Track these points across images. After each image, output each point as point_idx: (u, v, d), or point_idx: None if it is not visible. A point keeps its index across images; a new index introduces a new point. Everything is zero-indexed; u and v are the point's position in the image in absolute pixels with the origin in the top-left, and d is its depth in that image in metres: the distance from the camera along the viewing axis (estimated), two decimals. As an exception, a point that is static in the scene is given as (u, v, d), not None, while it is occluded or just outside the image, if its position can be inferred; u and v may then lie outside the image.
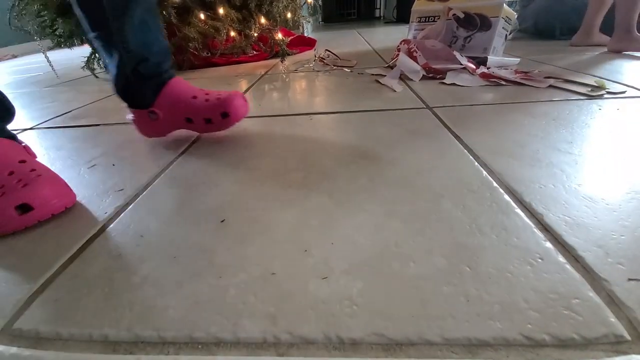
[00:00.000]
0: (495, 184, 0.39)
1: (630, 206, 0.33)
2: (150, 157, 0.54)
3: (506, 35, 1.03)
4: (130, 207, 0.40)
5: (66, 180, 0.48)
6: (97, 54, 1.37)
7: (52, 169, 0.53)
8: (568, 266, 0.27)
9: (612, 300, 0.24)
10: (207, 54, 1.38)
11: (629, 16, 1.04)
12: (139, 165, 0.52)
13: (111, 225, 0.37)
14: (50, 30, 1.30)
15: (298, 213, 0.36)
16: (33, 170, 0.40)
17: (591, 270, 0.26)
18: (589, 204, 0.34)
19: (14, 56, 3.18)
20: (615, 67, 0.89)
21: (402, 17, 2.88)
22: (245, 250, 0.31)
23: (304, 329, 0.23)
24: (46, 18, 1.27)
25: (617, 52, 1.08)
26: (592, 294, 0.24)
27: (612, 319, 0.22)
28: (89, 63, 1.36)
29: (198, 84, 0.72)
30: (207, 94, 0.56)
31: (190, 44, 1.27)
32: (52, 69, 1.48)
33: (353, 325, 0.23)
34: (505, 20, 0.99)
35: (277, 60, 1.42)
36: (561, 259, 0.27)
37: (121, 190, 0.44)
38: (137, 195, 0.43)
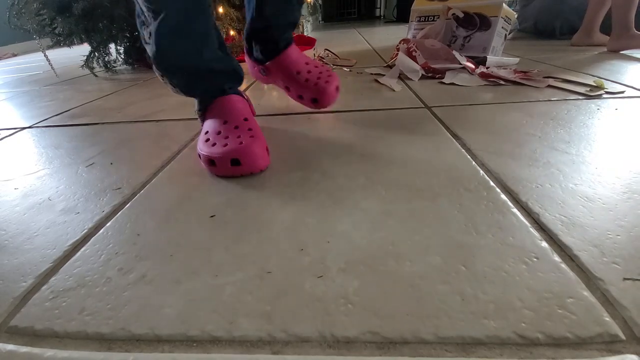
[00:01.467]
0: (492, 184, 0.39)
1: (627, 206, 0.33)
2: (148, 156, 0.54)
3: (505, 34, 1.03)
4: (128, 205, 0.40)
5: (64, 179, 0.48)
6: (96, 53, 1.37)
7: (51, 167, 0.53)
8: (563, 265, 0.27)
9: (607, 300, 0.24)
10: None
11: (626, 14, 1.04)
12: (136, 164, 0.52)
13: (108, 224, 0.37)
14: (50, 29, 1.30)
15: (295, 211, 0.36)
16: (250, 129, 0.47)
17: (586, 270, 0.26)
18: (586, 204, 0.34)
19: (14, 55, 3.18)
20: (615, 67, 0.89)
21: (402, 16, 2.88)
22: (241, 248, 0.31)
23: (299, 327, 0.23)
24: (45, 17, 1.27)
25: (617, 51, 1.08)
26: (586, 293, 0.24)
27: (607, 318, 0.22)
28: (88, 62, 1.36)
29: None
30: (309, 73, 0.62)
31: (190, 43, 1.27)
32: (52, 67, 1.48)
33: (348, 324, 0.23)
34: (505, 20, 0.99)
35: (277, 59, 1.42)
36: (556, 258, 0.27)
37: (118, 188, 0.44)
38: (134, 194, 0.43)
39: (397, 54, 1.00)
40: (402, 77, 0.92)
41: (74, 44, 1.36)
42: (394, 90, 0.81)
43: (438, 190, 0.38)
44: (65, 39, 1.32)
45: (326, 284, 0.27)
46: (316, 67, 0.64)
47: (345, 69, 1.10)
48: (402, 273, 0.27)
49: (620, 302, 0.23)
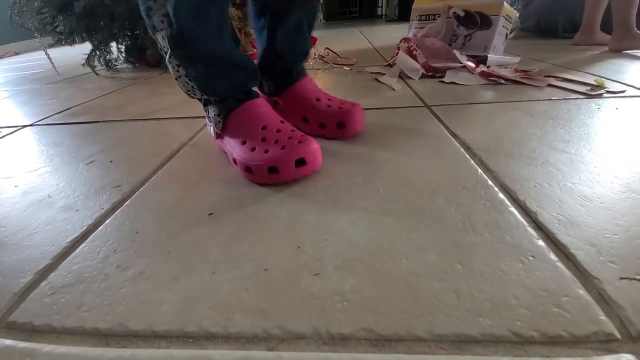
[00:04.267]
0: (490, 182, 0.39)
1: (625, 205, 0.33)
2: (148, 154, 0.54)
3: (507, 33, 1.03)
4: (127, 203, 0.41)
5: (64, 177, 0.49)
6: (97, 51, 1.37)
7: (51, 165, 0.53)
8: (559, 264, 0.27)
9: (602, 299, 0.24)
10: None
11: (627, 14, 1.04)
12: (136, 162, 0.52)
13: (107, 221, 0.37)
14: (51, 27, 1.30)
15: (292, 209, 0.36)
16: (293, 130, 0.45)
17: (582, 269, 0.26)
18: (583, 203, 0.34)
19: (16, 53, 3.19)
20: (616, 66, 0.88)
21: (403, 15, 2.87)
22: (239, 246, 0.31)
23: (295, 324, 0.23)
24: (47, 15, 1.27)
25: (618, 51, 1.07)
26: (582, 292, 0.24)
27: (603, 317, 0.22)
28: (89, 60, 1.37)
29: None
30: (329, 100, 0.56)
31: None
32: (53, 66, 1.49)
33: (343, 321, 0.23)
34: (506, 19, 0.98)
35: (278, 58, 1.42)
36: (553, 257, 0.27)
37: (118, 186, 0.45)
38: (133, 192, 0.43)
39: (397, 52, 0.99)
40: (402, 76, 0.92)
41: (76, 42, 1.36)
42: (394, 89, 0.81)
43: (436, 188, 0.38)
44: (66, 38, 1.33)
45: (322, 282, 0.27)
46: (333, 98, 0.58)
47: (346, 68, 1.10)
48: (398, 271, 0.27)
49: (616, 301, 0.23)
